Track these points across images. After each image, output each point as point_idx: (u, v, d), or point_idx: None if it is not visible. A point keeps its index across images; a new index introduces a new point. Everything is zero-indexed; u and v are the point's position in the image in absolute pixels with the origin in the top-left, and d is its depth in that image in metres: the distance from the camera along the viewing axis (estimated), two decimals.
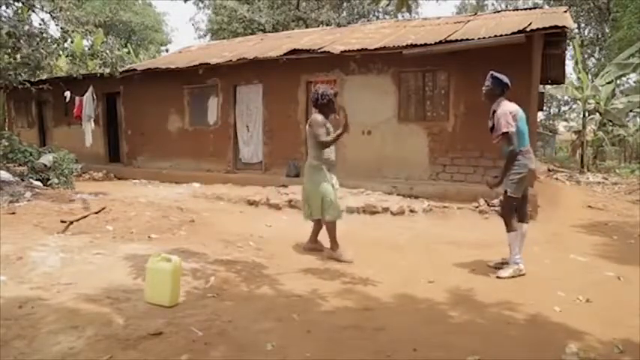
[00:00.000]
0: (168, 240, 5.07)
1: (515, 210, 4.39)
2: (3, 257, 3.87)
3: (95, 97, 11.67)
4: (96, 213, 5.76)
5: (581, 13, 23.20)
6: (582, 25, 24.30)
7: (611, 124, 15.46)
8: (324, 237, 4.90)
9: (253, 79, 10.21)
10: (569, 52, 17.65)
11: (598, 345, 2.79)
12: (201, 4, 23.93)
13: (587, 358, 2.61)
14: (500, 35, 7.34)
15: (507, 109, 4.16)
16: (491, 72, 4.33)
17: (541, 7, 16.40)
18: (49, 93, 11.85)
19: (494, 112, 4.25)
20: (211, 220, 6.53)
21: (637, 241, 5.66)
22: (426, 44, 7.90)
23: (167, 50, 30.74)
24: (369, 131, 8.88)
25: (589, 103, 14.58)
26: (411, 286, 3.91)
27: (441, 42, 7.86)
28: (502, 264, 4.38)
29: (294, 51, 9.27)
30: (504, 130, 4.08)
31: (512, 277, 4.15)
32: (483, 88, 4.33)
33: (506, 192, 4.29)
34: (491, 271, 4.33)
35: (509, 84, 4.26)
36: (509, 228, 4.31)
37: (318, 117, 4.73)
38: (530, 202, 6.87)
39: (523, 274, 4.20)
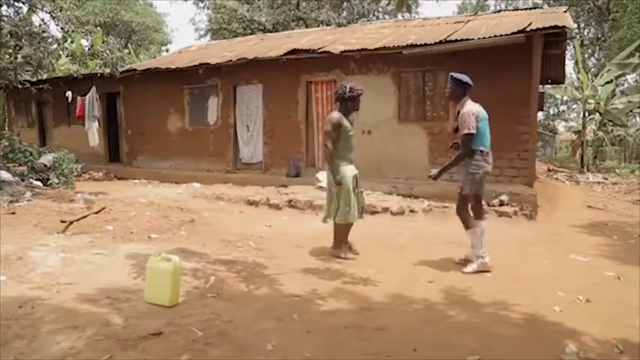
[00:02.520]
0: (168, 240, 5.07)
1: (471, 209, 4.50)
2: (3, 257, 3.87)
3: (98, 97, 11.71)
4: (96, 213, 5.76)
5: (581, 13, 23.22)
6: (582, 25, 24.30)
7: (611, 124, 15.46)
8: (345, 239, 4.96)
9: (253, 79, 10.21)
10: (569, 52, 17.67)
11: (598, 345, 2.79)
12: (201, 4, 23.93)
13: (587, 358, 2.61)
14: (500, 35, 7.35)
15: (471, 110, 4.25)
16: (450, 74, 4.45)
17: (541, 7, 16.42)
18: (49, 93, 11.85)
19: (459, 112, 4.34)
20: (211, 220, 6.53)
21: (637, 241, 5.66)
22: (426, 44, 7.90)
23: (167, 50, 30.77)
24: (369, 131, 8.89)
25: (589, 103, 14.59)
26: (410, 286, 3.91)
27: (441, 42, 7.86)
28: (466, 260, 4.47)
29: (294, 51, 9.27)
30: (466, 131, 4.18)
31: (477, 271, 4.25)
32: (446, 90, 4.48)
33: (461, 191, 4.43)
34: (490, 271, 4.32)
35: (471, 83, 4.35)
36: (467, 225, 4.41)
37: (334, 114, 4.67)
38: (530, 202, 6.92)
39: (489, 269, 4.28)
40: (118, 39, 24.12)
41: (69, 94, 11.71)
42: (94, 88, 11.53)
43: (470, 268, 4.31)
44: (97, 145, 11.70)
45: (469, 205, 4.47)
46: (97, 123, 11.68)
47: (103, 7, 23.95)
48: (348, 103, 4.68)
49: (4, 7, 8.00)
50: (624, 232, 6.19)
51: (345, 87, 4.69)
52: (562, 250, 5.14)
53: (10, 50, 8.48)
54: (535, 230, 6.25)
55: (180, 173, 10.88)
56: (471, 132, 4.18)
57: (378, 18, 22.15)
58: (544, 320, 3.18)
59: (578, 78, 15.63)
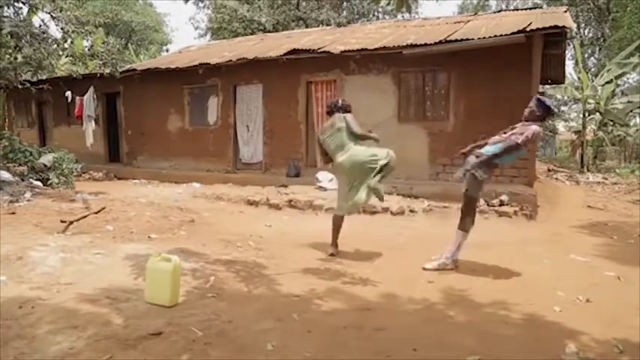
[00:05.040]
0: (168, 240, 5.07)
1: (469, 214, 4.44)
2: (3, 257, 3.87)
3: (96, 97, 11.71)
4: (96, 213, 5.76)
5: (581, 13, 23.22)
6: (582, 25, 24.30)
7: (611, 123, 15.46)
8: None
9: (253, 79, 10.21)
10: (569, 52, 17.67)
11: (597, 345, 2.79)
12: (201, 4, 23.92)
13: (587, 358, 2.61)
14: (501, 35, 7.35)
15: (539, 133, 4.22)
16: (537, 96, 4.42)
17: (541, 7, 16.41)
18: (49, 93, 11.86)
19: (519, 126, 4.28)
20: (211, 220, 6.53)
21: (637, 241, 5.66)
22: (426, 44, 7.90)
23: (167, 50, 30.76)
24: (369, 131, 8.86)
25: (589, 103, 14.59)
26: (410, 286, 3.91)
27: (441, 42, 7.86)
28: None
29: (294, 51, 9.28)
30: (519, 141, 4.11)
31: (437, 269, 4.30)
32: (526, 109, 4.37)
33: (472, 195, 4.39)
34: (490, 271, 4.33)
35: (555, 112, 4.41)
36: (466, 228, 4.38)
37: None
38: (530, 202, 6.93)
39: (450, 269, 4.32)
40: (118, 39, 24.13)
41: (68, 94, 11.72)
42: (92, 89, 11.54)
43: (430, 265, 4.37)
44: (91, 145, 11.71)
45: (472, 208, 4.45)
46: (93, 123, 11.70)
47: (103, 7, 23.94)
48: (343, 110, 5.03)
49: (4, 8, 8.00)
50: (624, 232, 6.18)
51: (338, 100, 5.25)
52: (562, 250, 5.14)
53: (10, 50, 8.48)
54: (535, 230, 6.25)
55: (180, 173, 10.89)
56: (520, 144, 4.12)
57: (378, 18, 22.14)
58: (544, 320, 3.18)
59: (578, 78, 15.62)
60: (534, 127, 4.18)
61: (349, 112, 5.05)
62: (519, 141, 4.13)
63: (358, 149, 4.83)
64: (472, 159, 4.36)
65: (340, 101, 5.15)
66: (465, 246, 4.45)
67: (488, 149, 4.32)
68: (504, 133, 4.35)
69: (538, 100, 4.34)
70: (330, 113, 5.11)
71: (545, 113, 4.29)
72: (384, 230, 6.22)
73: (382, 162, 4.71)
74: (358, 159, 4.74)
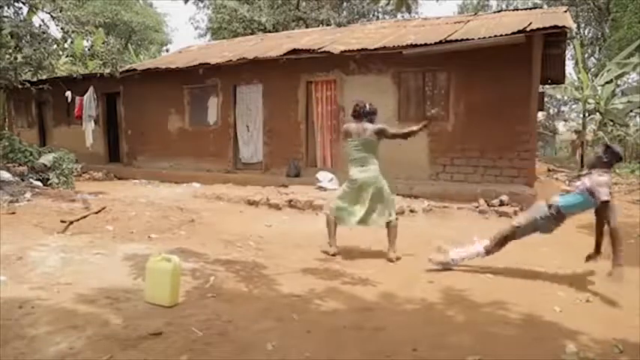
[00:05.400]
0: (168, 240, 5.07)
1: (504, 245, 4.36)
2: (3, 257, 3.87)
3: (96, 97, 11.72)
4: (96, 213, 5.77)
5: (581, 13, 23.21)
6: (582, 25, 24.29)
7: (611, 123, 15.46)
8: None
9: (253, 79, 10.21)
10: (569, 52, 17.66)
11: (597, 345, 2.79)
12: (201, 4, 23.90)
13: (587, 358, 2.61)
14: (501, 35, 7.35)
15: (609, 182, 4.12)
16: (607, 143, 4.35)
17: (541, 7, 16.42)
18: (49, 93, 11.85)
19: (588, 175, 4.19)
20: (211, 220, 6.53)
21: (637, 241, 5.66)
22: (426, 44, 7.90)
23: (167, 50, 30.72)
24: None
25: (589, 103, 14.59)
26: (410, 286, 3.91)
27: (441, 42, 7.86)
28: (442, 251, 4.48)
29: (294, 51, 9.28)
30: (605, 198, 4.03)
31: (438, 267, 4.32)
32: (595, 154, 4.31)
33: (522, 233, 4.30)
34: (490, 271, 4.33)
35: (621, 158, 4.28)
36: (492, 251, 4.31)
37: None
38: (530, 202, 6.91)
39: (449, 269, 4.33)
40: (118, 39, 24.12)
41: (68, 94, 11.73)
42: (91, 88, 11.55)
43: (437, 258, 4.37)
44: (91, 145, 11.72)
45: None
46: (93, 123, 11.71)
47: (103, 7, 23.92)
48: (373, 116, 4.88)
49: (4, 8, 8.01)
50: (624, 232, 6.12)
51: (365, 103, 4.91)
52: (562, 251, 5.13)
53: (10, 50, 8.49)
54: None
55: (180, 173, 10.89)
56: (609, 199, 4.04)
57: (378, 18, 22.13)
58: (544, 320, 3.18)
59: (578, 78, 15.61)
60: (604, 180, 4.05)
61: (375, 115, 4.89)
62: (602, 199, 4.02)
63: (378, 181, 4.79)
64: (543, 207, 4.29)
65: (368, 106, 4.85)
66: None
67: (561, 201, 4.26)
68: (573, 182, 4.31)
69: (606, 146, 4.26)
70: (357, 117, 4.86)
71: (613, 160, 4.19)
72: (383, 230, 6.19)
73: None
74: (373, 195, 4.79)
